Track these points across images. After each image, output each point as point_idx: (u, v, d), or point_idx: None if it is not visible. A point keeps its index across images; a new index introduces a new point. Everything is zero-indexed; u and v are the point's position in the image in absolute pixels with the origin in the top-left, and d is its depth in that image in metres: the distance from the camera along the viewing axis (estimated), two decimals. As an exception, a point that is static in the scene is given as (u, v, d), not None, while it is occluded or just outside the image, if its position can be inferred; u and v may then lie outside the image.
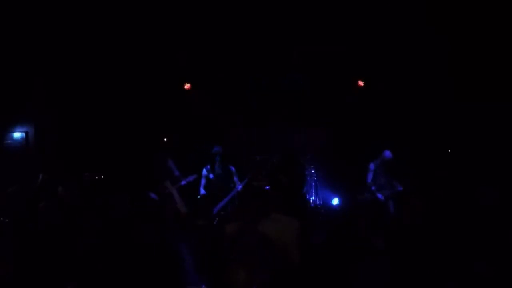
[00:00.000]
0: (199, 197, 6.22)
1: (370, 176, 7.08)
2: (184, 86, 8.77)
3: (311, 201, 8.01)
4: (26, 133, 8.19)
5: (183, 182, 6.36)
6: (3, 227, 4.00)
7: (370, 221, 7.10)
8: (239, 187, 6.19)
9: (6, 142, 8.09)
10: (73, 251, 3.29)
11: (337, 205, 8.21)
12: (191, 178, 6.38)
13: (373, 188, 7.01)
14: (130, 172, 7.02)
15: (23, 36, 7.47)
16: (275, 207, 3.98)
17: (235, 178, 6.33)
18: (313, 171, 8.21)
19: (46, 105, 8.24)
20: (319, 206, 8.11)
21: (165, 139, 8.94)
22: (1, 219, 4.12)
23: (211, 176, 6.23)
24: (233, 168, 6.42)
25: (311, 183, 8.08)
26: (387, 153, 6.99)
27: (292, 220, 3.83)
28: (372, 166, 7.10)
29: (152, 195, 6.40)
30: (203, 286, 3.24)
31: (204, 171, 6.29)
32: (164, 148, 7.04)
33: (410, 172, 7.18)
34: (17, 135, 8.16)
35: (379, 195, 6.93)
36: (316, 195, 8.19)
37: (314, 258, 2.80)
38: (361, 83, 8.75)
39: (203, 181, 6.30)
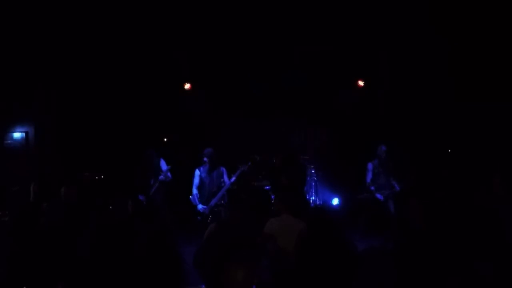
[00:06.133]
0: (191, 197, 6.30)
1: (369, 176, 7.07)
2: (184, 86, 8.76)
3: (311, 201, 8.00)
4: (26, 133, 8.19)
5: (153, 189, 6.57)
6: (3, 226, 4.01)
7: (370, 220, 7.11)
8: (233, 178, 6.27)
9: (6, 142, 8.09)
10: (73, 250, 3.29)
11: (337, 205, 8.20)
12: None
13: (372, 188, 7.00)
14: (130, 173, 7.03)
15: (23, 36, 7.47)
16: (287, 208, 4.01)
17: (225, 177, 6.39)
18: (313, 171, 8.20)
19: (46, 105, 8.24)
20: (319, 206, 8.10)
21: (165, 139, 8.93)
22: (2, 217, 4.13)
23: (203, 175, 6.30)
24: (223, 169, 6.49)
25: (311, 183, 8.07)
26: (382, 147, 7.00)
27: (299, 222, 3.85)
28: (370, 166, 7.09)
29: (141, 197, 6.47)
30: (203, 286, 3.23)
31: (197, 171, 6.39)
32: (157, 146, 7.10)
33: (410, 172, 7.18)
34: (17, 135, 8.16)
35: (379, 195, 6.91)
36: (316, 195, 8.18)
37: (317, 260, 2.79)
38: (361, 83, 8.74)
39: (196, 181, 6.36)
